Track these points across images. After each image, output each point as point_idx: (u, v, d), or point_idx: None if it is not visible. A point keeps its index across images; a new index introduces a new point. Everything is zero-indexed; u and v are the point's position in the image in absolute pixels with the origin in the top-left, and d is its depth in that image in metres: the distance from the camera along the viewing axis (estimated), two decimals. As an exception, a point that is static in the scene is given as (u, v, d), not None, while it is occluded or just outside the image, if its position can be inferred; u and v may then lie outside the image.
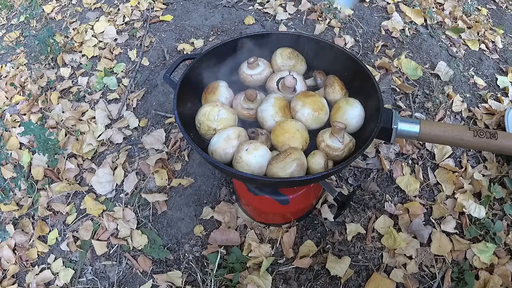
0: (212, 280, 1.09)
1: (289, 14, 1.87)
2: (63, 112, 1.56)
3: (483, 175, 1.25)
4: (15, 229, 1.27)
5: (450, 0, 1.92)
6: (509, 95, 1.51)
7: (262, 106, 0.90)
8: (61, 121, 1.53)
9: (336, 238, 1.15)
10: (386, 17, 1.82)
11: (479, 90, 1.53)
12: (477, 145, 0.77)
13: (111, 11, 2.01)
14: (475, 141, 0.76)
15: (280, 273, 1.10)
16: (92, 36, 1.88)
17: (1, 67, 1.85)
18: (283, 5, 1.91)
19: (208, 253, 1.14)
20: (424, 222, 1.17)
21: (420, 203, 1.21)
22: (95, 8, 2.05)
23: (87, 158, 1.41)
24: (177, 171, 1.35)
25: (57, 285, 1.16)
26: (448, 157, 1.31)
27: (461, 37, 1.73)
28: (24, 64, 1.81)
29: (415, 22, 1.79)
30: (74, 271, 1.17)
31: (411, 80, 1.55)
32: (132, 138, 1.46)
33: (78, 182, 1.36)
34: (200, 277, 1.11)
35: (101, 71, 1.69)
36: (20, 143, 1.50)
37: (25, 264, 1.21)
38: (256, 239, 1.16)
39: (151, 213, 1.25)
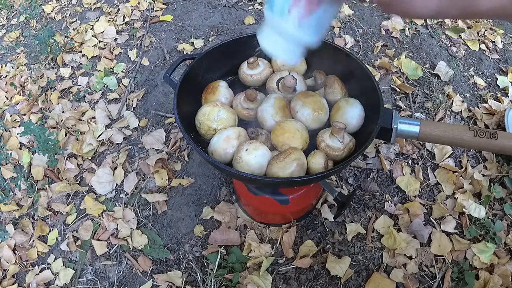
0: (212, 280, 1.09)
1: (289, 14, 1.86)
2: (63, 112, 1.56)
3: (483, 175, 1.25)
4: (15, 229, 1.27)
5: (450, 0, 1.92)
6: (509, 95, 1.51)
7: (262, 106, 0.90)
8: (61, 121, 1.53)
9: (336, 238, 1.15)
10: (386, 17, 1.82)
11: (479, 90, 1.53)
12: (477, 145, 0.77)
13: (111, 11, 2.01)
14: (475, 141, 0.76)
15: (280, 273, 1.10)
16: (92, 36, 1.88)
17: (1, 67, 1.85)
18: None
19: (208, 253, 1.14)
20: (424, 222, 1.17)
21: (420, 203, 1.21)
22: (95, 8, 2.05)
23: (87, 158, 1.41)
24: (177, 171, 1.35)
25: (57, 285, 1.16)
26: (448, 157, 1.31)
27: (461, 37, 1.73)
28: (24, 64, 1.81)
29: (415, 22, 1.79)
30: (74, 271, 1.17)
31: (411, 80, 1.55)
32: (132, 138, 1.46)
33: (78, 182, 1.36)
34: (200, 277, 1.11)
35: (101, 71, 1.69)
36: (20, 143, 1.50)
37: (25, 264, 1.21)
38: (256, 239, 1.16)
39: (151, 213, 1.25)
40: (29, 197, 1.33)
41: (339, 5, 0.44)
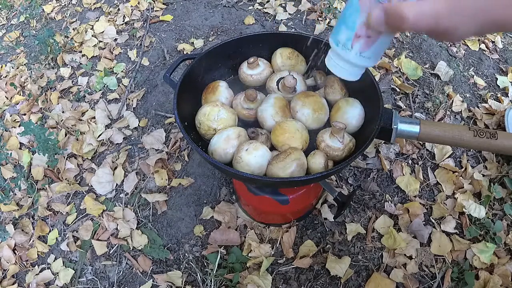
0: (212, 280, 1.09)
1: (289, 14, 1.87)
2: (63, 112, 1.56)
3: (483, 175, 1.25)
4: (15, 229, 1.27)
5: None
6: (509, 95, 1.51)
7: (262, 106, 0.90)
8: (61, 121, 1.53)
9: (336, 238, 1.15)
10: (386, 17, 1.82)
11: (479, 90, 1.53)
12: (477, 145, 0.77)
13: (111, 11, 2.01)
14: (475, 141, 0.76)
15: (280, 273, 1.10)
16: (92, 36, 1.88)
17: (1, 67, 1.85)
18: (283, 5, 1.91)
19: (208, 253, 1.14)
20: (424, 222, 1.17)
21: (420, 203, 1.21)
22: (95, 8, 2.05)
23: (87, 158, 1.41)
24: (177, 171, 1.35)
25: (57, 285, 1.16)
26: (448, 157, 1.31)
27: (461, 37, 1.73)
28: (24, 64, 1.81)
29: (415, 22, 1.79)
30: (74, 271, 1.17)
31: (411, 80, 1.55)
32: (132, 138, 1.46)
33: (78, 182, 1.36)
34: (200, 277, 1.11)
35: (101, 71, 1.69)
36: (20, 143, 1.50)
37: (25, 264, 1.21)
38: (256, 239, 1.16)
39: (151, 213, 1.25)
40: (29, 197, 1.33)
41: (393, 35, 0.54)
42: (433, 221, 1.18)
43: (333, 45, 0.54)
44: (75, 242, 1.22)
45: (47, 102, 1.63)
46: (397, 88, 1.52)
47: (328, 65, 0.58)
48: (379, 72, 1.58)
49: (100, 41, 1.86)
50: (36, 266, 1.20)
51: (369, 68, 0.89)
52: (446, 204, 1.21)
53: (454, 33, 0.39)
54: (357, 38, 0.49)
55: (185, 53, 1.74)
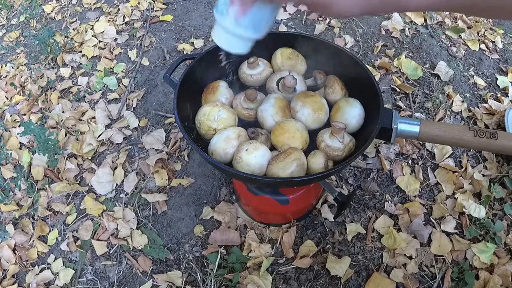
0: (212, 280, 1.09)
1: (289, 14, 1.87)
2: (63, 112, 1.56)
3: (483, 175, 1.25)
4: (15, 229, 1.27)
5: (450, 0, 1.92)
6: (509, 95, 1.51)
7: (262, 106, 0.90)
8: (61, 121, 1.53)
9: (336, 238, 1.15)
10: (386, 17, 1.82)
11: (479, 90, 1.53)
12: (477, 145, 0.77)
13: (111, 11, 2.01)
14: (475, 141, 0.76)
15: (280, 273, 1.10)
16: (92, 36, 1.88)
17: (1, 67, 1.85)
18: (283, 5, 1.91)
19: (208, 253, 1.15)
20: (424, 222, 1.17)
21: (420, 203, 1.21)
22: (95, 8, 2.05)
23: (87, 158, 1.41)
24: (177, 171, 1.35)
25: (57, 285, 1.16)
26: (448, 157, 1.31)
27: (461, 37, 1.73)
28: (24, 64, 1.81)
29: (415, 22, 1.79)
30: (74, 271, 1.17)
31: (411, 80, 1.55)
32: (132, 138, 1.46)
33: (78, 182, 1.36)
34: (200, 277, 1.11)
35: (101, 71, 1.69)
36: (20, 143, 1.50)
37: (25, 264, 1.21)
38: (256, 239, 1.16)
39: (151, 213, 1.25)
40: (29, 197, 1.33)
41: (276, 5, 0.50)
42: (433, 221, 1.18)
43: (214, 13, 0.54)
44: (75, 242, 1.22)
45: (47, 102, 1.63)
46: (397, 88, 1.52)
47: (213, 35, 0.57)
48: (379, 72, 1.58)
49: (100, 41, 1.86)
50: (36, 266, 1.20)
51: (365, 67, 0.90)
52: (446, 204, 1.21)
53: (332, 7, 0.35)
54: (232, 3, 0.49)
55: (185, 53, 1.74)
